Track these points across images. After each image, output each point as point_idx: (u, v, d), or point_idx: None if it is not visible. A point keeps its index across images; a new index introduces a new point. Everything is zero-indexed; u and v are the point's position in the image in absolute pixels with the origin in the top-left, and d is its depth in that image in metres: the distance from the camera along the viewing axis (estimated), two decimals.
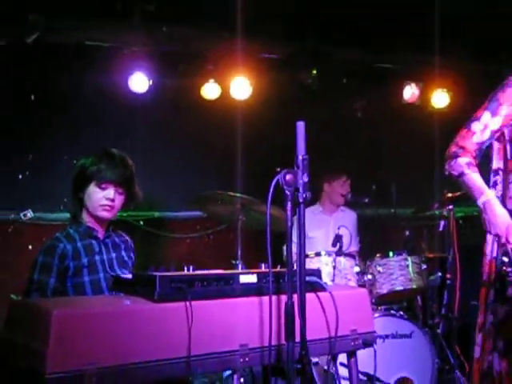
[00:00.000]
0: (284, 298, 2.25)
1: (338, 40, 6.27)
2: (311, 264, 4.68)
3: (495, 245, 2.96)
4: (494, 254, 2.96)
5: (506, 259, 2.76)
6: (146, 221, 6.29)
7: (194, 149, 6.26)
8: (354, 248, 5.64)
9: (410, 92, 6.78)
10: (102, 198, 3.06)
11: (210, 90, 6.21)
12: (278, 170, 2.19)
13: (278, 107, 6.03)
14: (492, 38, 5.69)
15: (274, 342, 2.29)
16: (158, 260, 5.91)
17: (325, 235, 5.29)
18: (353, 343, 2.62)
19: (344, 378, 3.86)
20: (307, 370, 2.17)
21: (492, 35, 5.62)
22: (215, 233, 6.11)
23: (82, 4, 5.31)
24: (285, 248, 5.73)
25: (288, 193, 2.19)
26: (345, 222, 5.50)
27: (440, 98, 6.82)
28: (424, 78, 6.76)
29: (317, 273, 2.53)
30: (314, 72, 6.63)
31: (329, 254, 4.70)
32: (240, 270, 2.41)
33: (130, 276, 2.44)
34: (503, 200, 2.99)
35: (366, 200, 5.54)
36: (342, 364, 3.34)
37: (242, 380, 4.67)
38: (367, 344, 2.67)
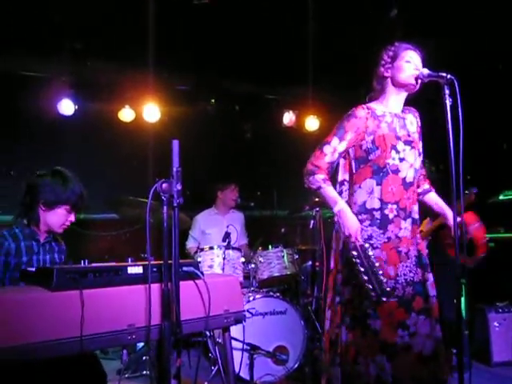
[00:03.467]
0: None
1: (232, 74, 6.28)
2: (206, 256, 4.62)
3: (340, 241, 3.00)
4: (340, 248, 3.00)
5: (355, 253, 2.81)
6: (74, 222, 6.09)
7: (113, 162, 6.09)
8: (242, 242, 5.64)
9: (288, 118, 6.90)
10: (66, 220, 2.97)
11: (125, 114, 6.13)
12: (157, 179, 2.14)
13: (182, 128, 5.97)
14: (354, 76, 5.80)
15: (156, 322, 2.23)
16: (84, 254, 5.74)
17: (219, 232, 5.22)
18: (225, 320, 2.59)
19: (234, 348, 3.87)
20: (180, 343, 2.12)
21: (354, 74, 5.74)
22: (130, 231, 5.96)
23: (21, 40, 5.16)
24: (187, 243, 5.68)
25: (164, 199, 2.14)
26: (235, 221, 5.49)
27: (311, 123, 6.95)
28: (299, 107, 6.89)
29: (194, 264, 2.48)
30: (213, 101, 6.64)
31: (220, 247, 4.65)
32: (128, 263, 2.33)
33: (33, 269, 2.34)
34: (349, 206, 2.99)
35: (252, 204, 5.58)
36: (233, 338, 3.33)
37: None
38: (238, 321, 2.65)
